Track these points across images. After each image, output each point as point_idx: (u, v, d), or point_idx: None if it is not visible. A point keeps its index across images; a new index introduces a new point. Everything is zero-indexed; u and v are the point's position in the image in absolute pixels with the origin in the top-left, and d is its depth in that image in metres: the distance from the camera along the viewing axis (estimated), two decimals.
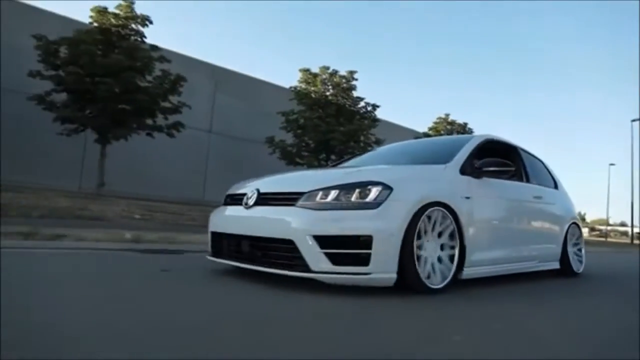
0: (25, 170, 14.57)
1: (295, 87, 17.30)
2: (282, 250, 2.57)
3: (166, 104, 12.32)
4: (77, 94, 11.32)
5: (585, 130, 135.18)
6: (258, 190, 2.89)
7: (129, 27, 12.31)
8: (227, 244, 2.99)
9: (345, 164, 4.36)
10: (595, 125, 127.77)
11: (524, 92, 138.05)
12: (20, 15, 14.97)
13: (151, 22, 12.62)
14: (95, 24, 12.01)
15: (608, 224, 47.92)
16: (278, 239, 2.59)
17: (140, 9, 12.66)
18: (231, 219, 3.04)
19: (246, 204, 2.88)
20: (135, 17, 12.32)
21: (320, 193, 2.61)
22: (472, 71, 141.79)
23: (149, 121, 12.32)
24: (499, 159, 3.45)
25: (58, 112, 11.17)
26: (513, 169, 3.67)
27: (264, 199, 2.84)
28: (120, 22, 12.19)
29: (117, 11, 12.42)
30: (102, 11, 12.03)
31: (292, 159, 16.48)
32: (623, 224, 61.37)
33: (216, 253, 3.12)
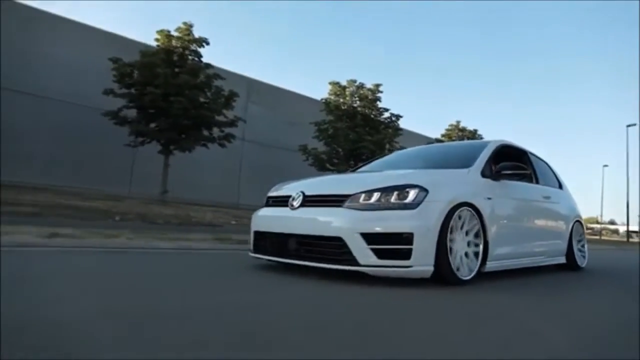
0: (86, 177, 15.81)
1: (326, 99, 18.67)
2: (331, 247, 2.78)
3: (221, 118, 13.63)
4: (148, 110, 12.58)
5: (579, 134, 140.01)
6: (303, 193, 3.10)
7: (189, 48, 13.58)
8: (271, 242, 3.18)
9: (365, 168, 4.62)
10: (589, 129, 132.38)
11: (525, 98, 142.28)
12: (93, 38, 16.21)
13: (208, 44, 13.88)
14: (161, 46, 13.27)
15: (600, 222, 50.20)
16: (327, 236, 2.80)
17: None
18: (276, 219, 3.24)
19: (292, 205, 3.09)
20: (195, 40, 13.58)
21: (364, 195, 2.84)
22: (478, 80, 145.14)
23: (206, 133, 13.63)
24: (515, 163, 3.73)
25: (132, 127, 12.43)
26: (528, 171, 3.95)
27: (309, 201, 3.04)
28: (182, 44, 13.45)
29: (177, 34, 13.67)
30: (168, 35, 13.29)
31: (324, 166, 17.83)
32: (612, 222, 63.84)
33: (258, 250, 3.34)
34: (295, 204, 3.07)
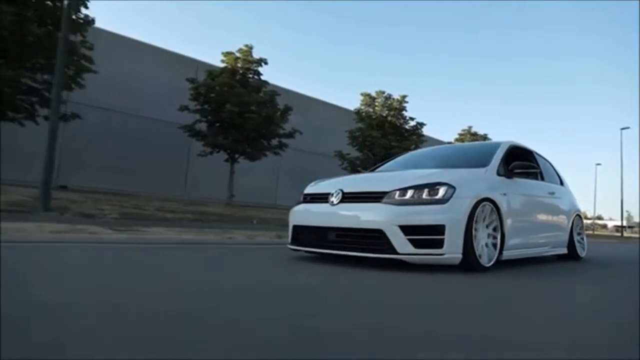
0: (144, 182, 17.45)
1: (357, 109, 20.53)
2: (372, 238, 3.04)
3: (278, 130, 15.41)
4: (220, 125, 14.30)
5: (574, 134, 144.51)
6: (342, 190, 3.35)
7: (252, 69, 15.30)
8: (312, 235, 3.42)
9: (384, 167, 4.91)
10: (583, 131, 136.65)
11: (520, 97, 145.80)
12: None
13: (266, 63, 15.60)
14: (228, 67, 14.97)
15: (590, 218, 52.93)
16: (368, 229, 3.07)
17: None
18: (316, 215, 3.46)
19: (331, 202, 3.33)
20: (256, 61, 15.30)
21: (399, 192, 3.12)
22: (474, 79, 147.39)
23: (264, 143, 15.40)
24: (526, 163, 4.07)
25: (209, 140, 14.15)
26: (537, 170, 4.29)
27: (348, 198, 3.30)
28: (245, 65, 15.17)
29: (239, 55, 15.36)
30: (236, 58, 15.00)
31: (356, 169, 19.70)
32: (599, 217, 66.99)
33: (297, 243, 3.61)
34: (335, 200, 3.32)
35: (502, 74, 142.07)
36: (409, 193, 3.11)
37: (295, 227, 3.66)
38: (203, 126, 14.57)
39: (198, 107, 14.19)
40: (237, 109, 13.38)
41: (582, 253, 5.25)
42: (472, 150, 5.10)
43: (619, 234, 35.24)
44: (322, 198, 3.48)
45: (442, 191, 3.09)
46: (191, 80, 14.11)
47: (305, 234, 3.53)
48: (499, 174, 3.80)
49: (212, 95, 13.91)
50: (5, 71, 9.57)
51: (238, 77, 15.04)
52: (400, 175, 3.70)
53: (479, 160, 3.94)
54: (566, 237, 4.94)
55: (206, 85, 14.06)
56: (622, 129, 32.68)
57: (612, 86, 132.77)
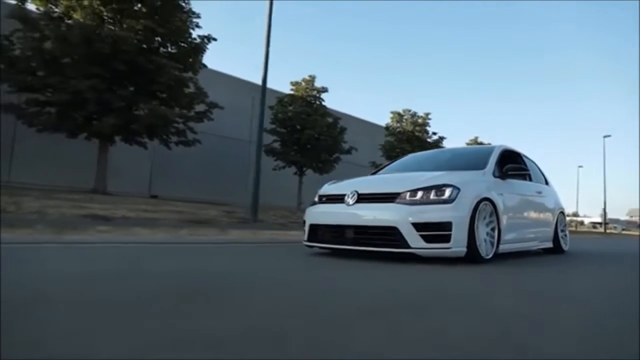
0: (214, 190, 20.34)
1: (388, 126, 24.05)
2: (386, 235, 3.39)
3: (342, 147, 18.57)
4: (292, 143, 17.47)
5: (558, 138, 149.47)
6: (357, 192, 3.65)
7: (316, 96, 18.48)
8: (330, 232, 3.72)
9: (387, 169, 5.26)
10: (566, 135, 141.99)
11: (519, 101, 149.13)
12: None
13: (326, 91, 18.80)
14: (296, 95, 18.06)
15: (568, 215, 57.87)
16: (384, 226, 3.41)
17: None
18: (333, 214, 3.74)
19: (347, 202, 3.63)
20: (320, 89, 18.51)
21: (410, 193, 3.47)
22: (463, 77, 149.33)
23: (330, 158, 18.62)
24: (518, 165, 4.51)
25: (289, 157, 17.30)
26: (529, 172, 4.75)
27: (363, 198, 3.62)
28: (311, 93, 18.33)
29: (304, 84, 18.52)
30: (306, 88, 18.16)
31: None
32: (575, 214, 72.52)
33: (313, 240, 3.89)
34: (351, 201, 3.61)
35: (496, 72, 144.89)
36: (419, 194, 3.45)
37: (312, 225, 3.92)
38: (277, 145, 17.66)
39: (274, 129, 17.25)
40: (315, 133, 16.52)
41: (565, 247, 5.67)
42: (468, 153, 5.51)
43: (596, 229, 39.34)
44: (338, 199, 3.79)
45: (448, 192, 3.44)
46: (271, 108, 17.18)
47: (323, 232, 3.80)
48: (494, 176, 4.19)
49: (285, 119, 17.00)
50: (164, 110, 12.41)
51: (304, 103, 18.18)
52: (409, 178, 4.01)
53: (476, 163, 4.33)
54: (552, 232, 5.36)
55: (283, 112, 17.22)
56: (605, 136, 36.68)
57: (600, 87, 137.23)
